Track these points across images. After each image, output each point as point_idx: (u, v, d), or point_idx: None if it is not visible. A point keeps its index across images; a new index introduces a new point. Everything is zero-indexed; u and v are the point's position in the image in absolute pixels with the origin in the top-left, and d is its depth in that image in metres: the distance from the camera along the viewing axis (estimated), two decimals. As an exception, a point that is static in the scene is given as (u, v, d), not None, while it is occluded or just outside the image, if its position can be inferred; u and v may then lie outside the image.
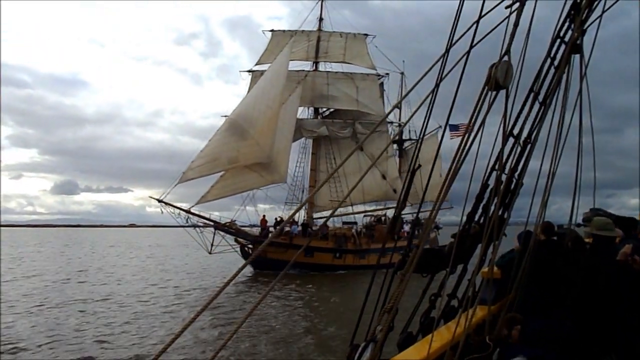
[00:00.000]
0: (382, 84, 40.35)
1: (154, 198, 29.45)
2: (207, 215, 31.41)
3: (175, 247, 62.27)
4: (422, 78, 3.20)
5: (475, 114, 2.99)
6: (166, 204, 29.43)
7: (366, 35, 38.67)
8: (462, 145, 3.07)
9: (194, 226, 30.90)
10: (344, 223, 37.90)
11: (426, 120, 3.48)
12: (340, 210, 37.50)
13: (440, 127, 47.32)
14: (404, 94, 44.84)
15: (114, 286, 25.16)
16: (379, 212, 41.75)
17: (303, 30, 38.12)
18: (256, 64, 37.37)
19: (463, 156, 3.11)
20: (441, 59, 3.13)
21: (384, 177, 39.97)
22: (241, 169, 31.98)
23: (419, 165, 3.67)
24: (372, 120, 38.49)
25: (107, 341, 14.18)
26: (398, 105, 44.77)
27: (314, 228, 36.44)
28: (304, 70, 37.63)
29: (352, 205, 37.98)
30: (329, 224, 37.35)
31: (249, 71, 37.29)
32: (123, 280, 27.92)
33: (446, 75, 3.14)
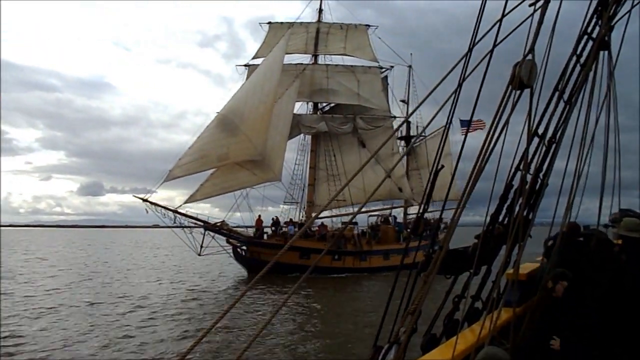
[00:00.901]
0: (386, 77, 38.41)
1: (137, 197, 28.20)
2: (195, 215, 30.08)
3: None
4: (445, 77, 3.16)
5: (499, 113, 2.95)
6: (151, 203, 28.14)
7: (368, 26, 36.79)
8: (486, 144, 3.02)
9: (183, 227, 29.58)
10: (343, 224, 36.05)
11: (449, 121, 3.38)
12: (341, 210, 35.72)
13: (452, 123, 45.11)
14: (411, 88, 42.93)
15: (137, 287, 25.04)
16: (384, 212, 39.76)
17: (301, 22, 36.43)
18: (253, 58, 35.84)
19: (487, 155, 3.05)
20: (464, 58, 3.12)
21: (388, 175, 37.98)
22: (232, 167, 30.49)
23: (442, 166, 3.49)
24: (375, 115, 36.60)
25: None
26: (405, 101, 42.88)
27: (312, 229, 34.74)
28: (302, 64, 35.89)
29: (352, 205, 36.09)
30: (328, 224, 35.59)
31: (245, 65, 35.74)
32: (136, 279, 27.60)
33: (469, 74, 3.12)
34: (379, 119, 36.37)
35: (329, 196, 35.13)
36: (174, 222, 29.06)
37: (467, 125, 40.99)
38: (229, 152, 29.61)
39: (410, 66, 42.75)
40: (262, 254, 31.45)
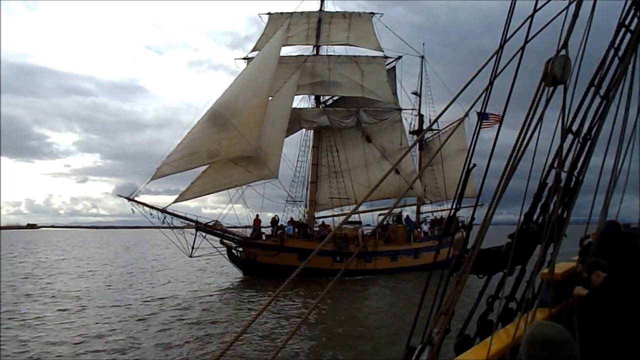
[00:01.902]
0: (394, 68, 36.25)
1: (122, 196, 27.02)
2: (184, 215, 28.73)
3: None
4: (476, 74, 3.12)
5: (532, 110, 2.91)
6: (137, 202, 26.92)
7: (372, 14, 34.71)
8: (519, 142, 2.96)
9: (175, 227, 28.30)
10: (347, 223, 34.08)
11: (479, 122, 3.30)
12: (344, 209, 33.84)
13: (468, 116, 42.50)
14: (424, 78, 40.63)
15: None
16: (394, 211, 37.60)
17: (302, 12, 34.62)
18: (252, 51, 34.21)
19: (520, 153, 2.98)
20: (495, 56, 3.08)
21: (397, 171, 35.82)
22: (225, 164, 28.99)
23: (474, 165, 3.29)
24: (380, 107, 34.51)
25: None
26: (417, 93, 40.61)
27: (314, 228, 33.00)
28: (303, 55, 34.12)
29: (356, 203, 34.11)
30: (330, 223, 33.73)
31: (244, 58, 34.21)
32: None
33: (500, 72, 3.08)
34: (384, 112, 34.25)
35: (330, 194, 33.29)
36: (163, 222, 27.77)
37: (485, 119, 38.49)
38: (220, 148, 28.13)
39: (422, 56, 40.41)
40: (258, 256, 29.93)
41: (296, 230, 31.40)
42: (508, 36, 3.06)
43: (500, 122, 3.36)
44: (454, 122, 41.63)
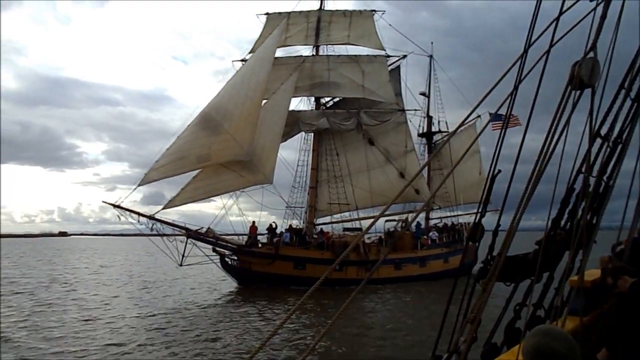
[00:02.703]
0: (398, 68, 34.69)
1: (107, 203, 26.14)
2: (180, 223, 27.72)
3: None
4: (500, 80, 3.10)
5: (558, 114, 2.88)
6: (123, 209, 25.99)
7: (374, 11, 33.27)
8: (545, 146, 2.92)
9: (163, 235, 27.31)
10: (345, 229, 32.57)
11: (504, 129, 3.15)
12: (344, 215, 32.36)
13: (480, 117, 40.66)
14: (432, 78, 38.92)
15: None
16: (402, 217, 35.91)
17: (301, 11, 33.40)
18: (249, 53, 33.12)
19: (547, 158, 2.94)
20: (519, 60, 3.03)
21: (402, 175, 34.19)
22: (217, 169, 27.88)
23: (499, 171, 3.16)
24: (382, 108, 32.94)
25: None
26: (426, 93, 38.94)
27: (314, 235, 31.56)
28: (301, 56, 32.87)
29: (357, 209, 32.56)
30: (328, 230, 32.27)
31: (242, 60, 33.09)
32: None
33: (525, 76, 3.05)
34: (385, 113, 32.66)
35: (329, 199, 31.83)
36: (152, 230, 26.81)
37: (498, 120, 36.47)
38: (211, 152, 27.04)
39: (431, 56, 38.72)
40: (252, 264, 28.70)
41: (294, 237, 30.08)
42: (533, 39, 3.01)
43: (527, 126, 3.22)
44: (464, 124, 39.92)
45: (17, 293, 25.17)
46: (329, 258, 29.29)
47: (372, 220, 32.05)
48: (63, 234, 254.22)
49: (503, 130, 3.17)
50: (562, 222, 3.39)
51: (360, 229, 32.12)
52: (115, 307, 21.39)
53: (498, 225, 3.32)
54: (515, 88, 3.07)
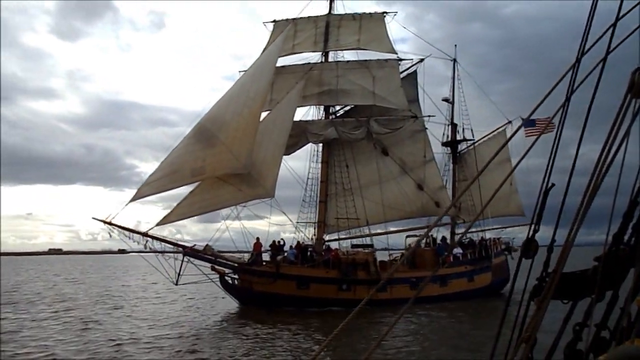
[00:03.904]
0: (415, 72, 32.43)
1: (97, 219, 25.21)
2: (176, 239, 26.54)
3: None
4: (551, 91, 3.05)
5: (617, 124, 2.75)
6: (113, 225, 25.00)
7: (385, 13, 31.24)
8: (603, 157, 2.78)
9: (161, 252, 26.18)
10: (353, 246, 30.30)
11: (559, 132, 3.03)
12: (353, 232, 30.17)
13: (510, 122, 37.55)
14: (457, 83, 36.30)
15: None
16: (421, 232, 33.31)
17: (309, 17, 31.82)
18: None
19: (605, 169, 2.80)
20: (572, 69, 2.94)
21: (420, 187, 31.70)
22: (214, 183, 26.52)
23: (553, 184, 2.96)
24: (393, 115, 30.67)
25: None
26: (449, 100, 36.34)
27: (322, 253, 29.51)
28: (309, 63, 31.22)
29: (368, 224, 30.24)
30: (336, 247, 30.15)
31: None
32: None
33: (578, 86, 2.96)
34: (398, 120, 30.38)
35: (337, 214, 29.73)
36: (145, 247, 25.73)
37: (530, 125, 33.32)
38: (205, 165, 25.69)
39: (454, 59, 36.16)
40: (253, 283, 27.03)
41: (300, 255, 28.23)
42: (588, 47, 2.91)
43: (581, 137, 3.06)
44: (494, 131, 36.97)
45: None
46: (335, 277, 27.25)
47: (385, 235, 29.78)
48: (122, 251, 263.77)
49: (556, 140, 3.08)
50: (626, 238, 3.11)
51: (371, 245, 29.85)
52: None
53: (553, 240, 3.12)
54: (567, 99, 2.99)
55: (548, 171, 3.00)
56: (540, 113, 3.28)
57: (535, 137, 31.01)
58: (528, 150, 3.52)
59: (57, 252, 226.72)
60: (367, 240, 30.29)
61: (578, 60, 2.89)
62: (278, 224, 30.06)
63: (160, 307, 28.57)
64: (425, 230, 32.60)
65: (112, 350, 16.51)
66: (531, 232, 3.09)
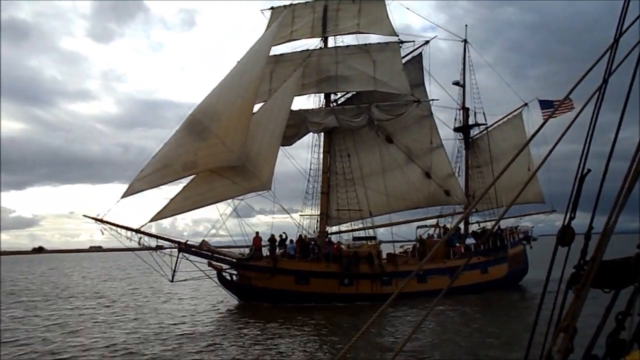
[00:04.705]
0: (420, 55, 30.84)
1: (88, 217, 24.81)
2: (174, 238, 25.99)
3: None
4: (585, 74, 2.98)
5: None
6: (105, 222, 24.54)
7: (385, -7, 29.67)
8: None
9: (154, 249, 25.64)
10: (354, 239, 29.04)
11: (595, 117, 2.89)
12: (355, 224, 28.97)
13: (527, 104, 35.44)
14: (467, 65, 34.50)
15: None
16: (431, 222, 31.84)
17: (307, 2, 30.59)
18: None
19: None
20: (609, 51, 2.83)
21: (427, 175, 30.20)
22: (208, 176, 25.75)
23: (589, 170, 2.87)
24: (398, 101, 29.19)
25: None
26: (460, 83, 34.60)
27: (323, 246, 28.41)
28: (308, 50, 30.03)
29: (371, 216, 28.94)
30: (337, 240, 29.00)
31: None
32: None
33: (615, 69, 2.85)
34: (400, 106, 28.90)
35: (337, 206, 28.56)
36: (139, 244, 25.24)
37: (547, 107, 31.35)
38: (197, 158, 24.96)
39: (465, 40, 34.35)
40: (252, 279, 26.23)
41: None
42: (626, 27, 2.81)
43: (620, 122, 2.89)
44: (509, 114, 35.11)
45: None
46: (335, 272, 26.17)
47: (388, 227, 28.46)
48: (160, 247, 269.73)
49: (592, 124, 2.89)
50: None
51: (374, 238, 28.56)
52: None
53: (591, 227, 2.95)
54: (605, 81, 2.86)
55: (584, 156, 2.92)
56: (576, 96, 3.15)
57: (554, 116, 28.36)
58: (563, 134, 3.22)
59: (98, 249, 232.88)
60: (371, 233, 29.02)
61: (616, 41, 2.81)
62: (282, 218, 29.15)
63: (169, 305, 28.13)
64: (438, 218, 30.93)
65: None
66: (567, 220, 2.99)
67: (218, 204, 26.07)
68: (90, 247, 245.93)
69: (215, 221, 26.79)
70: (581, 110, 2.98)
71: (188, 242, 25.73)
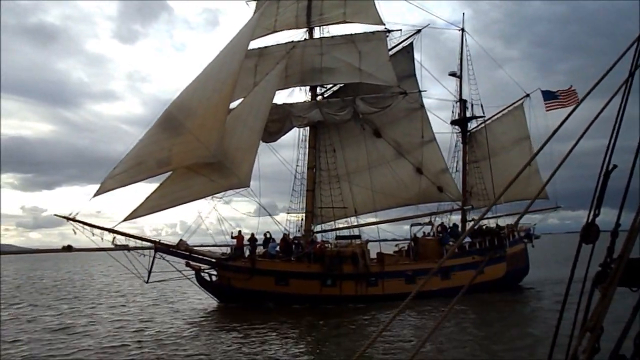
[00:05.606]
0: (410, 45, 29.42)
1: (59, 216, 24.16)
2: (147, 236, 25.23)
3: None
4: (610, 69, 2.95)
5: None
6: (78, 222, 23.88)
7: (372, -18, 28.28)
8: None
9: (129, 249, 24.91)
10: (337, 237, 27.76)
11: (622, 109, 2.83)
12: (340, 222, 27.75)
13: (528, 95, 33.57)
14: (464, 54, 32.87)
15: None
16: (424, 220, 30.37)
17: (290, -9, 29.43)
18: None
19: None
20: (636, 42, 2.72)
21: (419, 170, 28.78)
22: (185, 174, 24.83)
23: (615, 166, 2.80)
24: (384, 93, 27.81)
25: None
26: (457, 73, 33.01)
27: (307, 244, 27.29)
28: (292, 42, 28.87)
29: (356, 215, 27.66)
30: (322, 239, 27.81)
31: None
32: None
33: None
34: (386, 98, 27.52)
35: (321, 203, 27.37)
36: (113, 244, 24.56)
37: (550, 98, 29.57)
38: (172, 155, 24.05)
39: (462, 29, 32.71)
40: (232, 280, 25.31)
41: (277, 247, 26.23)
42: None
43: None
44: (509, 106, 33.43)
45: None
46: (317, 272, 25.04)
47: (372, 226, 27.15)
48: (135, 247, 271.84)
49: (618, 118, 2.82)
50: None
51: (358, 237, 27.27)
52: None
53: (618, 224, 2.82)
54: (631, 75, 2.78)
55: (609, 152, 2.85)
56: (601, 90, 3.04)
57: (558, 109, 26.73)
58: (587, 129, 3.04)
59: (124, 247, 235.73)
60: (356, 231, 27.75)
61: None
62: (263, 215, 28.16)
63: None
64: (421, 216, 29.40)
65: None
66: (591, 216, 2.91)
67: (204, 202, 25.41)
68: (116, 245, 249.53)
69: (238, 219, 26.07)
70: (606, 105, 2.90)
71: (162, 241, 24.86)
